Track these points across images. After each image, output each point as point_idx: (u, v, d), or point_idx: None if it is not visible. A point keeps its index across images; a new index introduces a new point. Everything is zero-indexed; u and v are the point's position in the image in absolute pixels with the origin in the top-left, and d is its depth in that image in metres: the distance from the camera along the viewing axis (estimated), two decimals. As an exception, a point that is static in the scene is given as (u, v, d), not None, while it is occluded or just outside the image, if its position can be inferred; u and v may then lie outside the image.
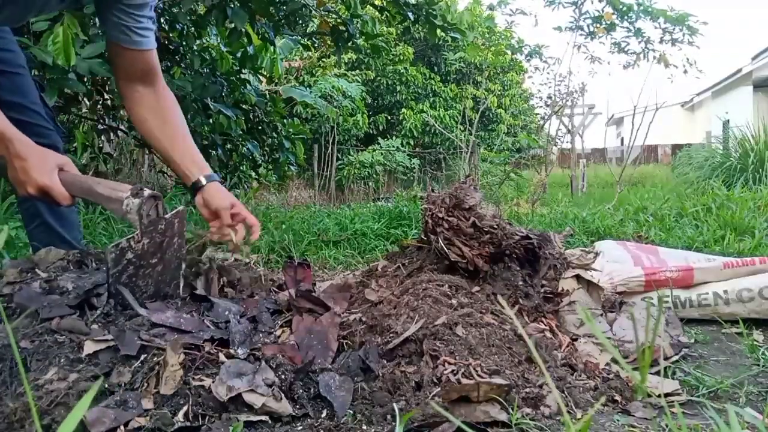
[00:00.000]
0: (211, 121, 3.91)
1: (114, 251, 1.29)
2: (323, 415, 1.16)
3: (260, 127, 4.65)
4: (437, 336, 1.37)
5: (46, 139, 1.71)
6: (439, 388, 1.20)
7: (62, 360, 1.13)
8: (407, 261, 1.94)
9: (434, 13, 3.83)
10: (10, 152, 1.31)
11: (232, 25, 3.47)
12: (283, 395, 1.14)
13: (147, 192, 1.35)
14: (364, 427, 1.11)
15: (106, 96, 4.08)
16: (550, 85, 13.29)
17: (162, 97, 1.64)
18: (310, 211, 4.58)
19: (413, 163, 10.73)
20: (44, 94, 2.11)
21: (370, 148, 10.88)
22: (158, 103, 1.63)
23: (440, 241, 1.77)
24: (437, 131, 10.95)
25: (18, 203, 1.88)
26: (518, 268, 1.83)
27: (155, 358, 1.15)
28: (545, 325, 1.65)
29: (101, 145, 4.80)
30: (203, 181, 1.59)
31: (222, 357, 1.22)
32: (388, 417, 1.14)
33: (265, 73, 4.64)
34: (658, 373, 1.45)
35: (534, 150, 11.18)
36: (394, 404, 1.16)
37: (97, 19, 3.48)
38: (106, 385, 1.10)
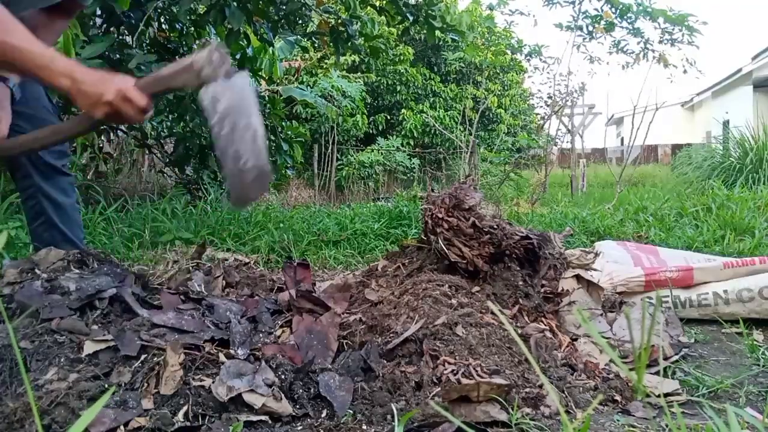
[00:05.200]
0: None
1: (209, 99, 1.18)
2: (323, 415, 1.16)
3: (259, 129, 4.64)
4: (437, 336, 1.37)
5: None
6: (439, 388, 1.20)
7: (62, 360, 1.13)
8: (407, 261, 1.94)
9: (433, 14, 3.83)
10: (77, 77, 1.26)
11: (230, 26, 3.47)
12: (283, 395, 1.14)
13: (213, 43, 1.25)
14: (364, 427, 1.11)
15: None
16: (549, 84, 13.31)
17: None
18: (310, 211, 4.58)
19: (413, 163, 10.73)
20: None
21: (369, 147, 10.88)
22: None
23: (440, 241, 1.77)
24: (437, 131, 10.95)
25: (22, 201, 1.87)
26: (518, 268, 1.83)
27: (155, 359, 1.16)
28: (545, 325, 1.65)
29: (101, 145, 4.80)
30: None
31: (222, 357, 1.22)
32: (388, 417, 1.14)
33: (264, 75, 4.64)
34: (658, 373, 1.45)
35: (534, 150, 11.18)
36: (394, 404, 1.16)
37: (97, 19, 3.49)
38: (106, 385, 1.10)
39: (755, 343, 1.70)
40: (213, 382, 1.13)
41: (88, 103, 1.27)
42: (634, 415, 1.24)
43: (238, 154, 1.20)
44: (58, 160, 1.84)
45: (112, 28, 3.57)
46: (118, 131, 4.67)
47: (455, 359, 1.29)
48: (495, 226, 1.78)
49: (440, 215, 1.79)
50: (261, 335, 1.41)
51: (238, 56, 4.05)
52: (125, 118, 1.29)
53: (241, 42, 3.88)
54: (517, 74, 13.30)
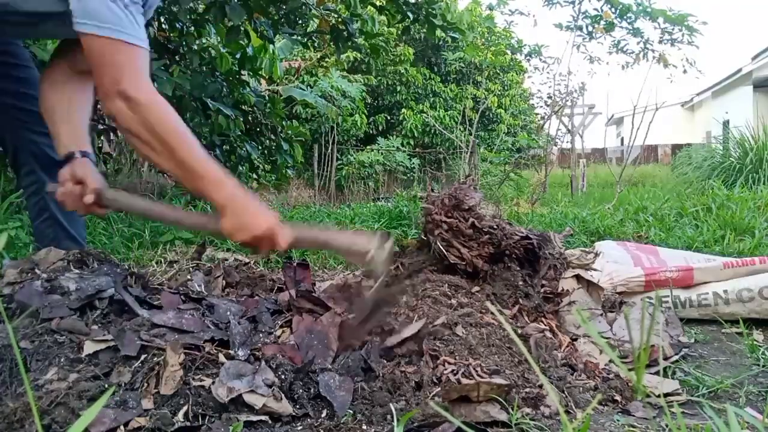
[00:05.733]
0: (209, 121, 3.91)
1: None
2: (323, 415, 1.16)
3: (259, 129, 4.65)
4: (437, 336, 1.37)
5: None
6: (439, 388, 1.20)
7: (62, 360, 1.13)
8: (407, 261, 1.94)
9: (434, 12, 3.82)
10: (233, 199, 1.30)
11: (231, 23, 3.47)
12: (283, 395, 1.15)
13: (388, 241, 1.34)
14: (364, 427, 1.11)
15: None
16: (549, 84, 13.31)
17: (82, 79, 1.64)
18: (310, 211, 4.58)
19: (413, 163, 10.73)
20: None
21: (369, 147, 10.88)
22: (75, 83, 1.63)
23: (438, 242, 1.77)
24: (437, 131, 10.95)
25: (26, 197, 1.88)
26: (518, 268, 1.83)
27: (155, 359, 1.16)
28: (545, 325, 1.65)
29: (101, 145, 4.80)
30: (77, 154, 1.55)
31: (222, 357, 1.22)
32: (388, 417, 1.14)
33: (264, 75, 4.64)
34: (658, 373, 1.45)
35: (534, 150, 11.18)
36: (393, 404, 1.16)
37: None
38: (106, 385, 1.10)
39: (755, 343, 1.70)
40: (213, 383, 1.13)
41: (234, 226, 1.29)
42: (634, 415, 1.24)
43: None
44: None
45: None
46: (119, 131, 4.66)
47: (455, 359, 1.29)
48: (494, 227, 1.78)
49: (438, 217, 1.79)
50: (261, 335, 1.41)
51: (238, 55, 4.05)
52: (257, 251, 1.35)
53: (241, 41, 3.88)
54: (517, 74, 13.30)
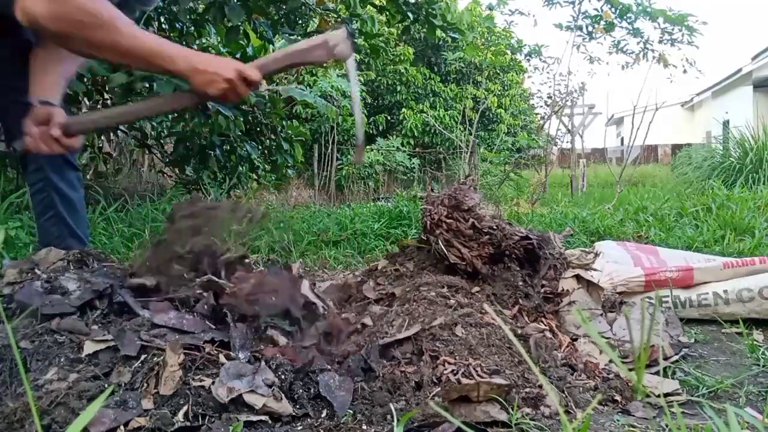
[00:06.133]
0: (209, 121, 3.91)
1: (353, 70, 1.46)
2: (323, 415, 1.16)
3: (259, 129, 4.64)
4: (437, 336, 1.37)
5: None
6: (439, 388, 1.20)
7: (62, 360, 1.13)
8: (407, 261, 1.94)
9: (434, 12, 3.83)
10: (192, 61, 1.35)
11: (230, 24, 3.47)
12: (283, 395, 1.15)
13: (340, 28, 1.45)
14: (364, 427, 1.11)
15: (105, 95, 4.08)
16: (549, 84, 13.32)
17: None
18: (310, 210, 4.58)
19: (413, 163, 10.73)
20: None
21: (369, 147, 10.88)
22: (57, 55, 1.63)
23: (440, 242, 1.77)
24: (437, 131, 10.96)
25: (32, 194, 1.88)
26: (518, 269, 1.83)
27: (155, 359, 1.15)
28: (545, 325, 1.65)
29: (101, 145, 4.80)
30: (36, 103, 1.52)
31: (222, 358, 1.22)
32: (388, 417, 1.14)
33: (264, 74, 4.62)
34: (658, 373, 1.45)
35: (534, 150, 11.18)
36: (393, 404, 1.16)
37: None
38: (106, 385, 1.10)
39: (755, 343, 1.70)
40: (213, 383, 1.13)
41: (206, 81, 1.35)
42: (634, 415, 1.24)
43: (361, 114, 1.54)
44: (71, 154, 1.84)
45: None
46: (118, 131, 4.66)
47: (455, 359, 1.29)
48: (494, 227, 1.78)
49: (438, 217, 1.79)
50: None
51: (238, 55, 4.04)
52: (238, 95, 1.39)
53: (241, 41, 3.88)
54: (517, 74, 13.30)
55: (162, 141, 4.95)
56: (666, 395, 1.33)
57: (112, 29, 1.31)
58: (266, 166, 4.91)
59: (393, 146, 10.94)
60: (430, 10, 3.81)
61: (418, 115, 11.69)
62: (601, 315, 1.74)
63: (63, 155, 1.80)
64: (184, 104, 1.58)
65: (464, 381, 1.19)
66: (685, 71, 7.12)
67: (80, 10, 1.28)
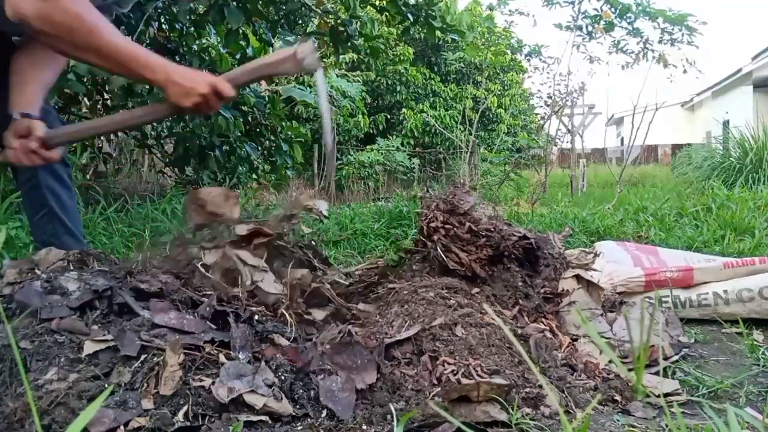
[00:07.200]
0: (209, 122, 3.91)
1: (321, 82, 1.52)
2: (323, 414, 1.16)
3: (258, 129, 4.64)
4: (437, 336, 1.37)
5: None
6: (439, 388, 1.20)
7: (62, 360, 1.13)
8: (405, 264, 1.94)
9: (433, 14, 3.82)
10: (169, 71, 1.40)
11: (230, 26, 3.47)
12: (283, 395, 1.14)
13: (307, 41, 1.48)
14: (364, 427, 1.11)
15: (105, 96, 4.09)
16: (549, 84, 13.31)
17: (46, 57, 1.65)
18: (309, 211, 4.56)
19: (413, 163, 10.74)
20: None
21: (369, 147, 10.88)
22: (45, 52, 1.63)
23: (438, 248, 1.77)
24: (437, 131, 10.96)
25: (24, 193, 1.88)
26: (518, 269, 1.83)
27: (155, 359, 1.15)
28: (545, 326, 1.65)
29: (101, 145, 4.80)
30: (16, 115, 1.53)
31: (222, 358, 1.22)
32: (388, 417, 1.14)
33: (264, 74, 4.62)
34: (658, 373, 1.45)
35: (534, 150, 11.18)
36: (393, 405, 1.16)
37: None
38: (106, 385, 1.10)
39: (755, 343, 1.70)
40: (213, 383, 1.13)
41: (181, 93, 1.40)
42: (634, 415, 1.24)
43: (330, 123, 1.59)
44: None
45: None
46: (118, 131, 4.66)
47: (455, 359, 1.29)
48: (492, 228, 1.78)
49: (434, 225, 1.79)
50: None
51: (237, 56, 4.05)
52: (210, 108, 1.45)
53: (240, 42, 3.88)
54: (517, 74, 13.30)
55: (162, 141, 4.95)
56: (666, 395, 1.33)
57: (95, 34, 1.35)
58: (266, 166, 4.91)
59: (393, 146, 10.95)
60: (429, 11, 3.81)
61: (418, 115, 11.70)
62: (601, 315, 1.74)
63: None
64: (159, 116, 1.61)
65: (464, 381, 1.19)
66: (685, 71, 7.11)
67: (66, 13, 1.31)
